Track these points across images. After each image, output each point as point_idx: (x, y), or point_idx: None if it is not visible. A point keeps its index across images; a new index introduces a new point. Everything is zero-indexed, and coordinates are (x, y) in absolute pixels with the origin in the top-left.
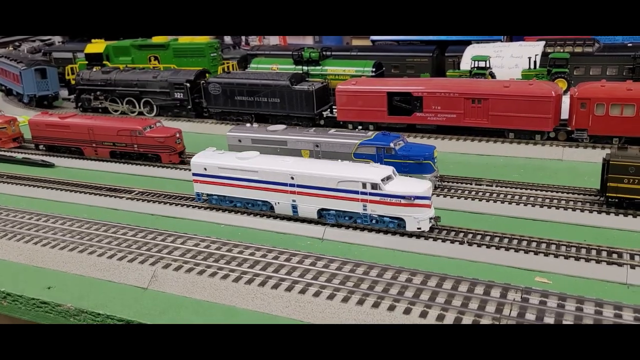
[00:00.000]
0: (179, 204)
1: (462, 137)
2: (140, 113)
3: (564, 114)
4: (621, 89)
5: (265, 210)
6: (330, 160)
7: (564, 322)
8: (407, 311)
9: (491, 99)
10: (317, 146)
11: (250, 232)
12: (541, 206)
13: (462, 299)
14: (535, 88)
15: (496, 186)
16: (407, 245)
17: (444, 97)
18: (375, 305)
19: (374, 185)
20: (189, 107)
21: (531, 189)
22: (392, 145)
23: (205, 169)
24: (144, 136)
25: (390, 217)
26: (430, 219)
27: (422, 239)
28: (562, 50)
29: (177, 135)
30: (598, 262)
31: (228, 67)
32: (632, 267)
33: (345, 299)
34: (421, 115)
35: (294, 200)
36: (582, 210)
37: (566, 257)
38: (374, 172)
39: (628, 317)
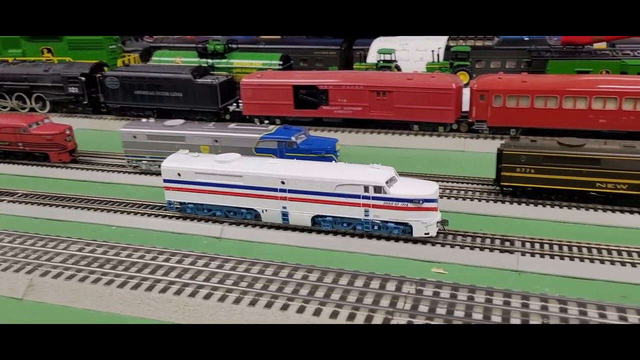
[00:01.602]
0: (66, 205)
1: (368, 129)
2: (32, 109)
3: (466, 106)
4: (517, 81)
5: (250, 218)
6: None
7: (455, 313)
8: (300, 310)
9: (395, 91)
10: (217, 141)
11: (143, 234)
12: (441, 197)
13: (358, 294)
14: (437, 81)
15: None
16: (307, 241)
17: (350, 90)
18: (269, 305)
19: (378, 189)
20: (85, 102)
21: (434, 180)
22: (293, 139)
23: (179, 175)
24: (29, 134)
25: (395, 223)
26: (437, 222)
27: (322, 234)
28: (464, 44)
29: (67, 132)
30: (491, 250)
31: (129, 60)
32: (523, 254)
33: (237, 300)
34: (327, 108)
35: (284, 207)
36: (479, 200)
37: (462, 247)
38: (377, 174)
39: (516, 304)
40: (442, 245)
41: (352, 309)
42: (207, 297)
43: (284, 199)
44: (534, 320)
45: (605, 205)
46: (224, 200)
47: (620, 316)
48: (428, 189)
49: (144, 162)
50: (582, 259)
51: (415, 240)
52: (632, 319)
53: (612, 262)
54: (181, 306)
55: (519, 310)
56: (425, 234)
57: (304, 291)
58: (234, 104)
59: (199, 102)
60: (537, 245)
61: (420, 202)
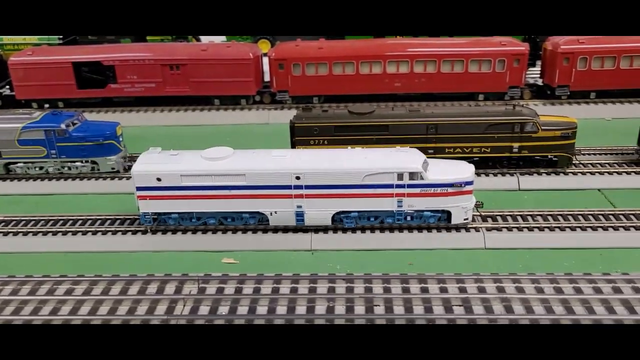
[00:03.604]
0: None
1: (166, 107)
2: None
3: (268, 76)
4: (314, 48)
5: (253, 223)
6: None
7: (238, 310)
8: None
9: (189, 64)
10: None
11: None
12: None
13: (131, 303)
14: (233, 50)
15: None
16: (78, 245)
17: (139, 65)
18: None
19: (414, 175)
20: None
21: None
22: (63, 126)
23: (159, 180)
24: None
25: (432, 211)
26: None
27: (98, 235)
28: None
29: None
30: (285, 231)
31: None
32: (316, 232)
33: None
34: (116, 86)
35: (299, 206)
36: None
37: (254, 232)
38: (409, 158)
39: (303, 290)
40: (234, 232)
41: (122, 321)
42: None
43: (300, 196)
44: (320, 306)
45: None
46: (221, 206)
47: (403, 288)
48: (466, 170)
49: None
50: (372, 230)
51: (205, 230)
52: (414, 289)
53: (400, 230)
54: None
55: (306, 297)
56: (465, 219)
57: (66, 309)
58: (8, 87)
59: None
60: None
61: (462, 185)
